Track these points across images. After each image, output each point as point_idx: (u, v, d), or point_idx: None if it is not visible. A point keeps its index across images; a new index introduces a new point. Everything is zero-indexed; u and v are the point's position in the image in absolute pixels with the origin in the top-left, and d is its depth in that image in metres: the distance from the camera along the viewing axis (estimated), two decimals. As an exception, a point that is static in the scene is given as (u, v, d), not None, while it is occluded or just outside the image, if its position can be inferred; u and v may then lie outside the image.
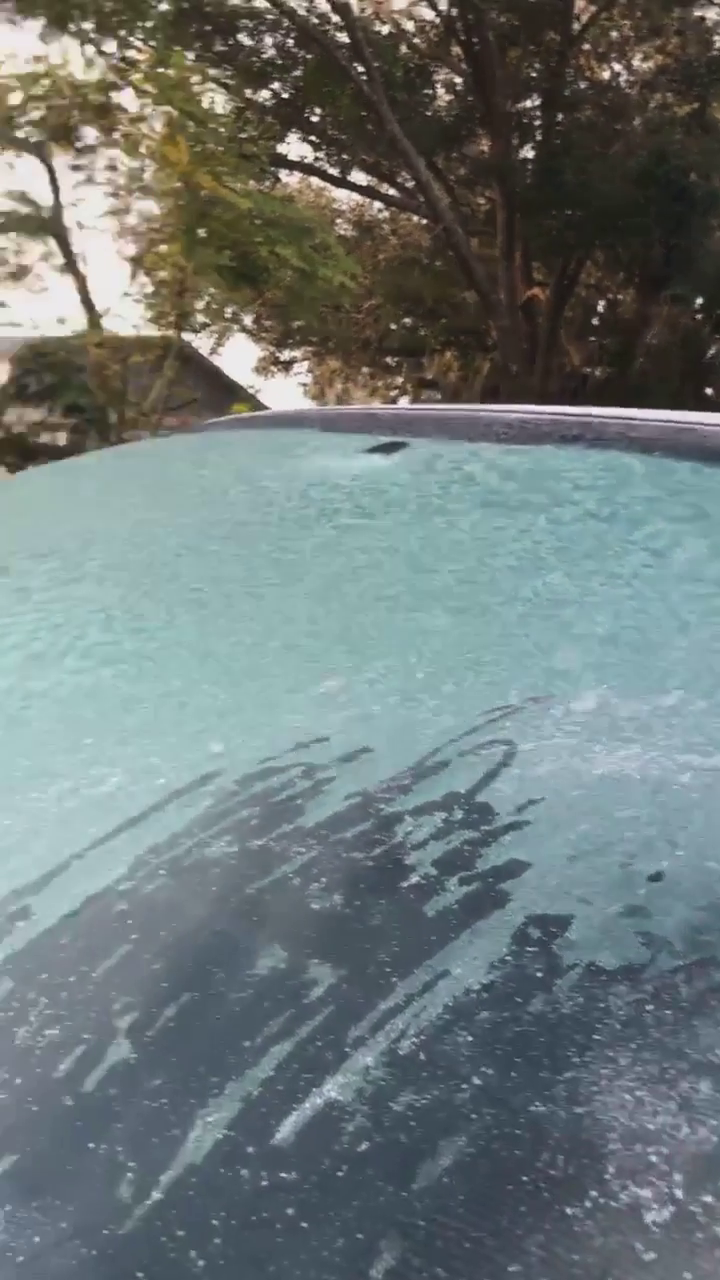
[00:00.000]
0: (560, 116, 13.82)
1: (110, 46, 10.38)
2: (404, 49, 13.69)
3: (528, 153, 14.22)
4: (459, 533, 0.94)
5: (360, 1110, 0.43)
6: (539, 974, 0.47)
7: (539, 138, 14.03)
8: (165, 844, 0.58)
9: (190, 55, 9.64)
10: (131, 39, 10.36)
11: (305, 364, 20.27)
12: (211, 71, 11.17)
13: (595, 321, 17.75)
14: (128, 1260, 0.39)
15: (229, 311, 13.52)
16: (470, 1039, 0.46)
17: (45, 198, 10.54)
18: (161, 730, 0.70)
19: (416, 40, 14.11)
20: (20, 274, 11.01)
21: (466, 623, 0.78)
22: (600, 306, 17.77)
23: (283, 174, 15.20)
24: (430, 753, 0.63)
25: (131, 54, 10.31)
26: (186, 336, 11.52)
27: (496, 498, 1.00)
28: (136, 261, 10.56)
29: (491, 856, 0.54)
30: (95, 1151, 0.43)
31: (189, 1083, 0.45)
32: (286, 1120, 0.43)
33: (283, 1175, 0.41)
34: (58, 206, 10.35)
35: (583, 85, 14.10)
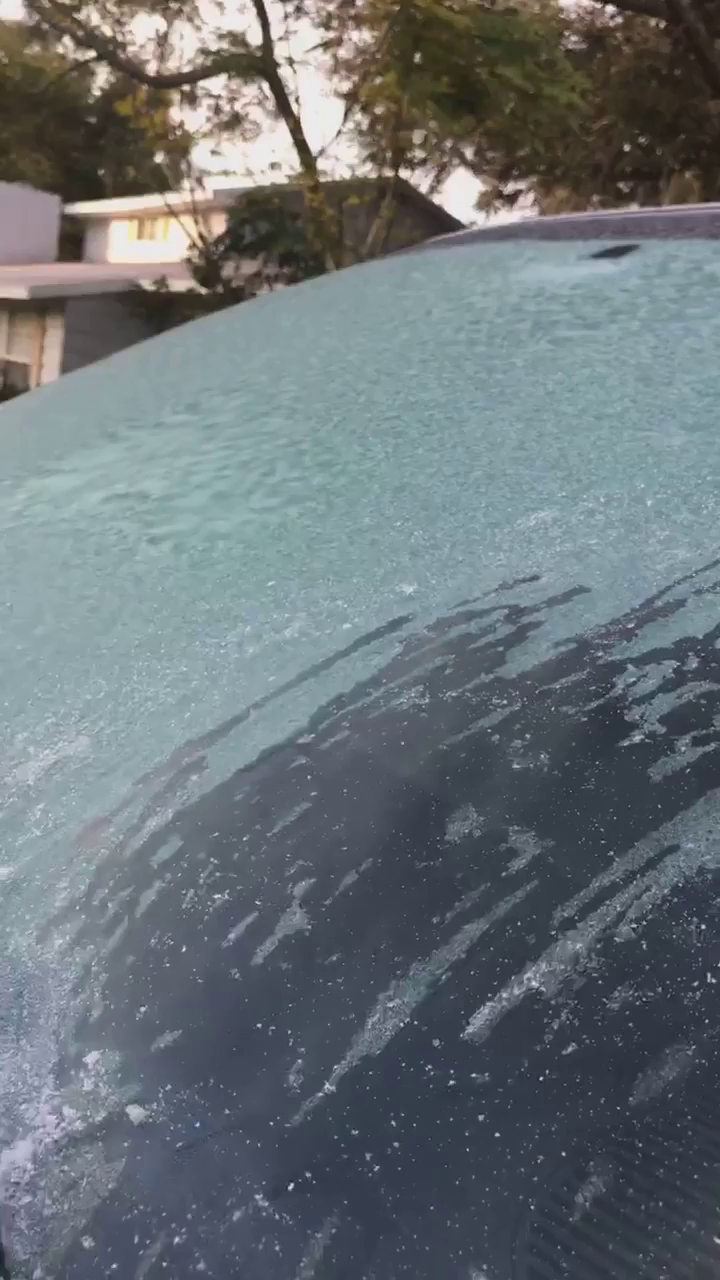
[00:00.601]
0: None
1: None
2: None
3: None
4: (699, 339, 0.80)
5: (567, 1005, 0.36)
6: None
7: None
8: (350, 695, 0.52)
9: None
10: None
11: (531, 196, 19.15)
12: None
13: None
14: (294, 1158, 0.34)
15: (448, 144, 12.86)
16: (703, 927, 0.38)
17: (255, 36, 10.24)
18: (349, 571, 0.63)
19: None
20: (233, 121, 10.84)
21: (709, 440, 0.66)
22: None
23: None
24: (660, 592, 0.53)
25: None
26: (404, 174, 11.06)
27: (745, 297, 0.85)
28: (350, 97, 10.15)
29: (734, 714, 0.45)
30: (264, 1033, 0.38)
31: (370, 962, 0.39)
32: (479, 1012, 0.37)
33: (473, 1076, 0.35)
34: (267, 43, 10.01)
35: None
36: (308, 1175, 0.34)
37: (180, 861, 0.46)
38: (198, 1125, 0.36)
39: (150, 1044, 0.39)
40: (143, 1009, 0.41)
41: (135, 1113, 0.37)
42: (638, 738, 0.46)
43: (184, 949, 0.42)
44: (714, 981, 0.36)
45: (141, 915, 0.44)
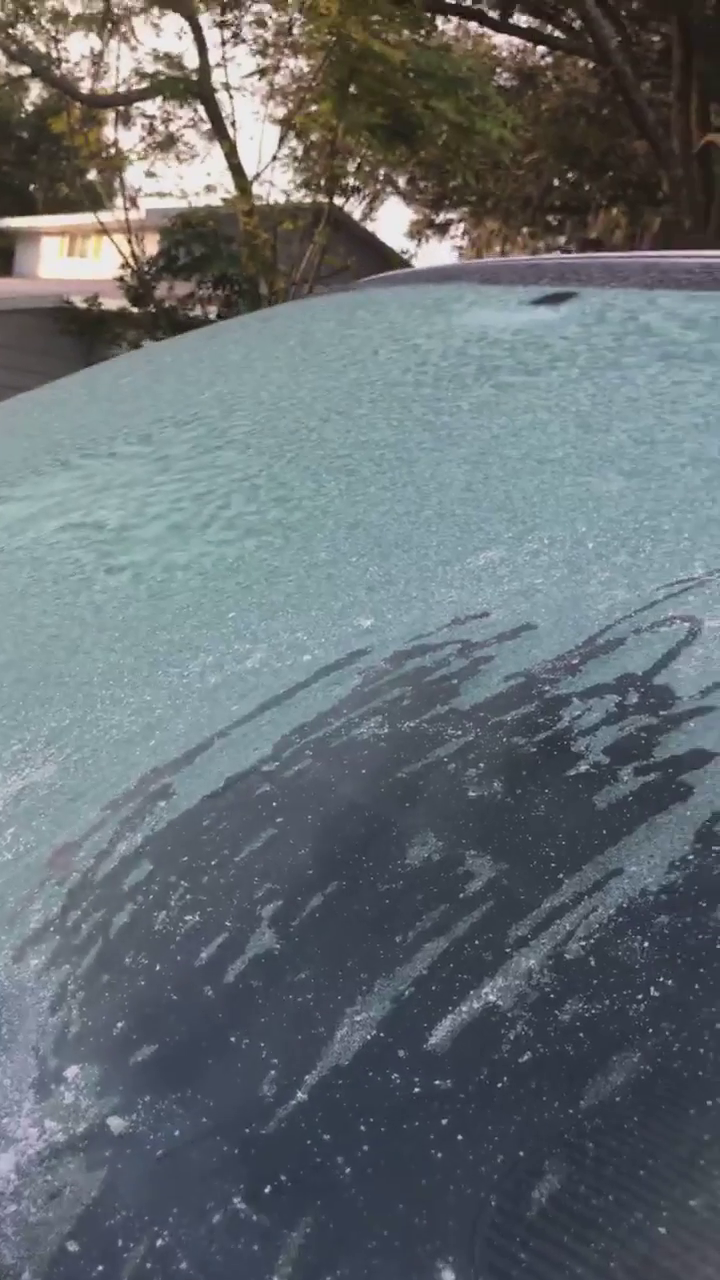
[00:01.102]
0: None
1: None
2: None
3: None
4: (635, 388, 0.85)
5: (522, 1017, 0.39)
6: (726, 877, 0.42)
7: (722, -40, 12.74)
8: (312, 724, 0.55)
9: None
10: None
11: (462, 226, 19.46)
12: None
13: (779, 168, 16.33)
14: (268, 1162, 0.37)
15: (382, 173, 13.04)
16: (647, 945, 0.41)
17: (191, 60, 10.28)
18: (308, 604, 0.65)
19: None
20: (168, 142, 10.85)
21: (644, 486, 0.70)
22: (785, 151, 16.31)
23: (439, 21, 14.32)
24: (602, 630, 0.56)
25: None
26: (338, 201, 11.18)
27: (678, 349, 0.90)
28: (286, 123, 10.24)
29: (672, 745, 0.48)
30: (237, 1046, 0.40)
31: (336, 978, 0.42)
32: (441, 1024, 0.39)
33: (436, 1083, 0.38)
34: (204, 67, 10.06)
35: None
36: (283, 1178, 0.36)
37: (151, 884, 0.48)
38: (176, 1134, 0.38)
39: (128, 1058, 0.41)
40: (119, 1025, 0.43)
41: (115, 1123, 0.39)
42: (583, 767, 0.49)
43: (157, 967, 0.44)
44: (656, 995, 0.39)
45: (115, 935, 0.46)
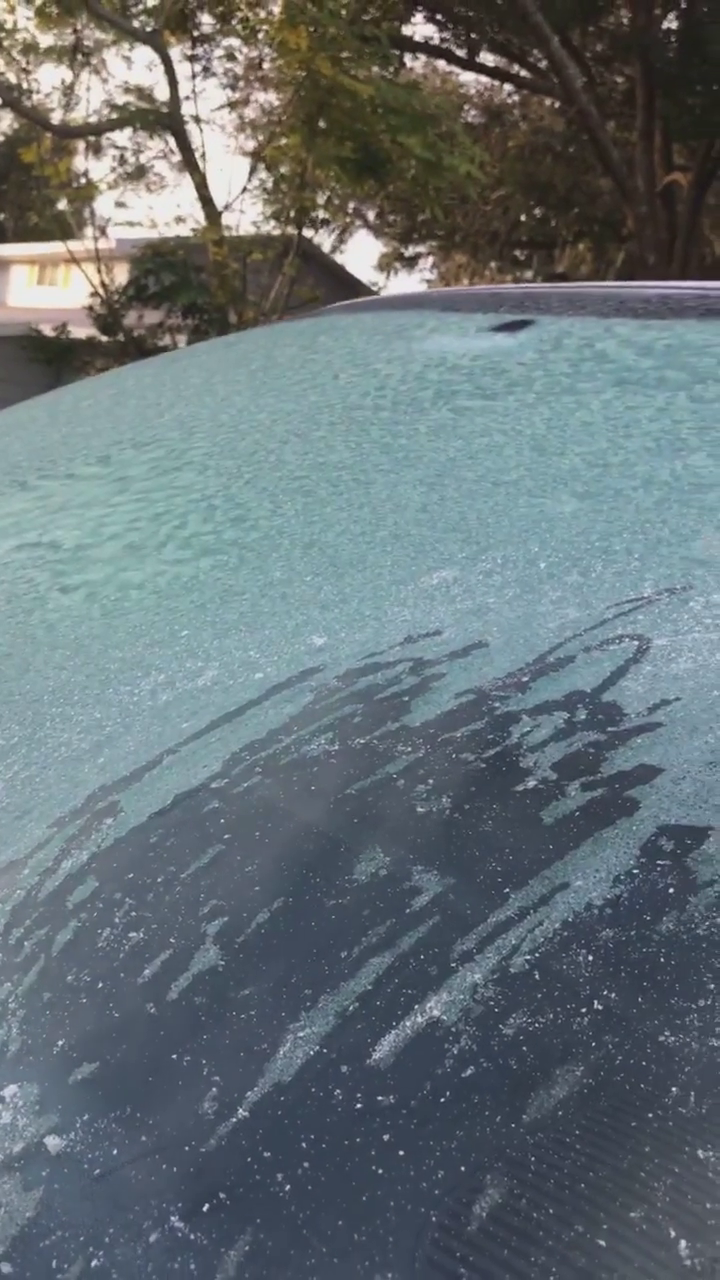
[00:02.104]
0: (708, -20, 12.79)
1: None
2: None
3: (671, 23, 13.26)
4: (589, 413, 0.86)
5: (466, 1032, 0.39)
6: (671, 890, 0.42)
7: (684, 5, 13.04)
8: (262, 741, 0.55)
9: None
10: None
11: (430, 259, 19.70)
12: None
13: (739, 208, 16.65)
14: (209, 1179, 0.36)
15: (351, 206, 13.18)
16: (590, 958, 0.41)
17: (162, 92, 10.38)
18: (261, 623, 0.65)
19: None
20: (138, 173, 10.92)
21: (596, 508, 0.71)
22: (745, 190, 16.64)
23: (408, 58, 14.55)
24: (552, 648, 0.57)
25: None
26: (307, 233, 11.28)
27: (632, 375, 0.91)
28: (255, 156, 10.34)
29: (619, 761, 0.48)
30: (179, 1064, 0.40)
31: (280, 994, 0.42)
32: (385, 1039, 0.39)
33: (379, 1099, 0.38)
34: (175, 100, 10.16)
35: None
36: (221, 1196, 0.36)
37: (95, 901, 0.48)
38: (114, 1153, 0.38)
39: (67, 1077, 0.41)
40: (59, 1043, 0.42)
41: (53, 1143, 0.38)
42: (531, 783, 0.49)
43: (100, 985, 0.44)
44: (600, 1008, 0.39)
45: (57, 953, 0.46)
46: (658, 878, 0.43)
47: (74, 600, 0.73)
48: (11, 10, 9.92)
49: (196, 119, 10.73)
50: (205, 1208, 0.36)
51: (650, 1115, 0.36)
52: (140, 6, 9.99)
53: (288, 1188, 0.36)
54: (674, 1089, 0.36)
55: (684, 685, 0.52)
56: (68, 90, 11.32)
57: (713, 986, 0.39)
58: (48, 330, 12.30)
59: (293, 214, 10.17)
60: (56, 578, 0.77)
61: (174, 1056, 0.40)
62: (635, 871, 0.44)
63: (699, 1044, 0.37)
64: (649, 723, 0.51)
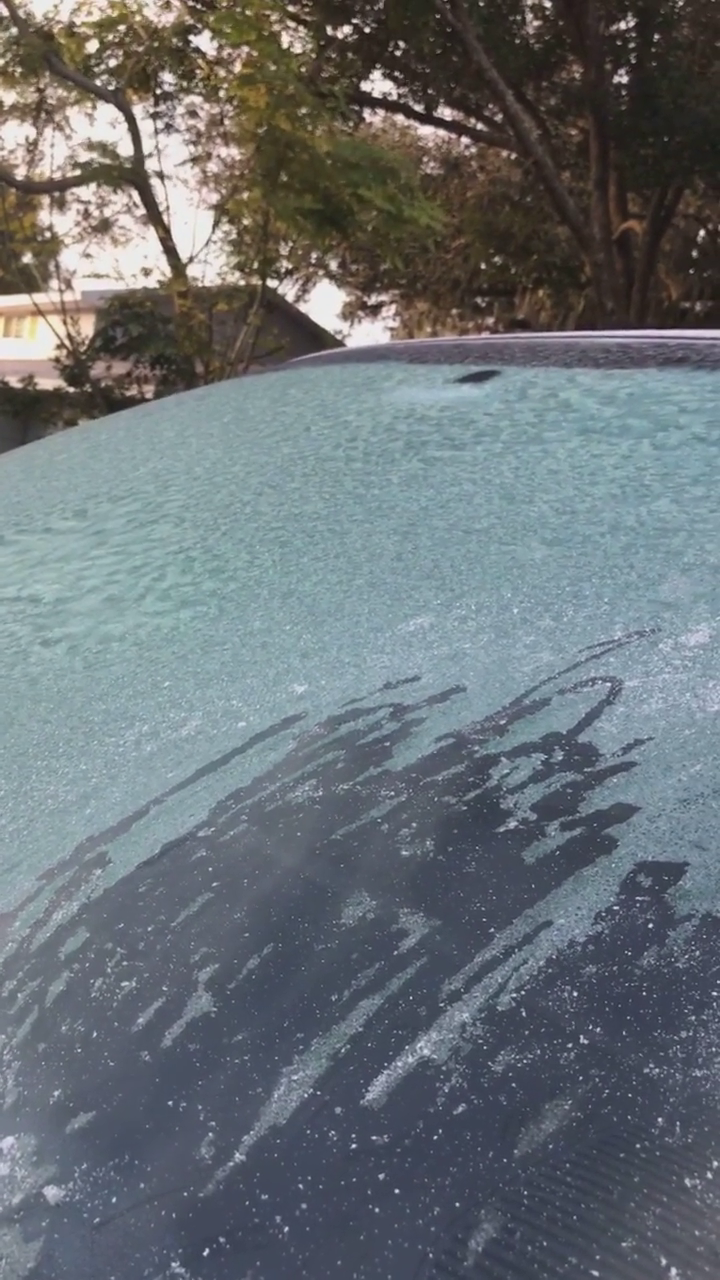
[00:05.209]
0: (657, 37, 13.18)
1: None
2: (489, -27, 13.18)
3: (622, 77, 13.63)
4: (556, 461, 0.88)
5: (456, 1070, 0.40)
6: (650, 925, 0.43)
7: (634, 61, 13.41)
8: (247, 789, 0.56)
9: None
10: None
11: (393, 308, 19.98)
12: (290, 8, 10.93)
13: (694, 253, 17.05)
14: (208, 1224, 0.37)
15: (313, 257, 13.37)
16: (575, 995, 0.42)
17: (126, 148, 10.54)
18: (242, 672, 0.67)
19: (502, -37, 13.57)
20: (104, 226, 11.04)
21: (565, 554, 0.73)
22: (700, 237, 17.06)
23: (367, 113, 14.86)
24: (527, 692, 0.58)
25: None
26: (271, 283, 11.43)
27: (596, 424, 0.94)
28: (219, 209, 10.50)
29: (596, 800, 0.50)
30: (175, 1110, 0.41)
31: (273, 1039, 0.42)
32: (377, 1080, 0.40)
33: (373, 1139, 0.38)
34: (138, 155, 10.31)
35: (680, 1, 13.40)
36: (221, 1240, 0.36)
37: (87, 952, 0.48)
38: (114, 1201, 0.38)
39: (64, 1127, 0.41)
40: (56, 1094, 0.42)
41: (52, 1193, 0.39)
42: (513, 824, 0.50)
43: (94, 1034, 0.44)
44: (586, 1043, 0.40)
45: (51, 1004, 0.46)
46: (638, 914, 0.44)
47: (56, 653, 0.74)
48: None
49: (160, 174, 10.93)
50: (206, 1252, 0.36)
51: (639, 1147, 0.37)
52: (103, 66, 10.16)
53: (286, 1229, 0.36)
54: (660, 1120, 0.37)
55: (656, 725, 0.54)
56: (31, 147, 11.45)
57: (694, 1018, 0.40)
58: (14, 382, 12.35)
59: (257, 265, 10.31)
60: (38, 631, 0.78)
61: (169, 1103, 0.41)
62: (616, 908, 0.45)
63: (683, 1075, 0.38)
64: (624, 762, 0.52)
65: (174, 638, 0.73)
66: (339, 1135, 0.38)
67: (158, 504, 0.99)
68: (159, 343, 10.55)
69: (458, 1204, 0.36)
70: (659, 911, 0.44)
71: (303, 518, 0.88)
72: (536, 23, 13.93)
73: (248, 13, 8.58)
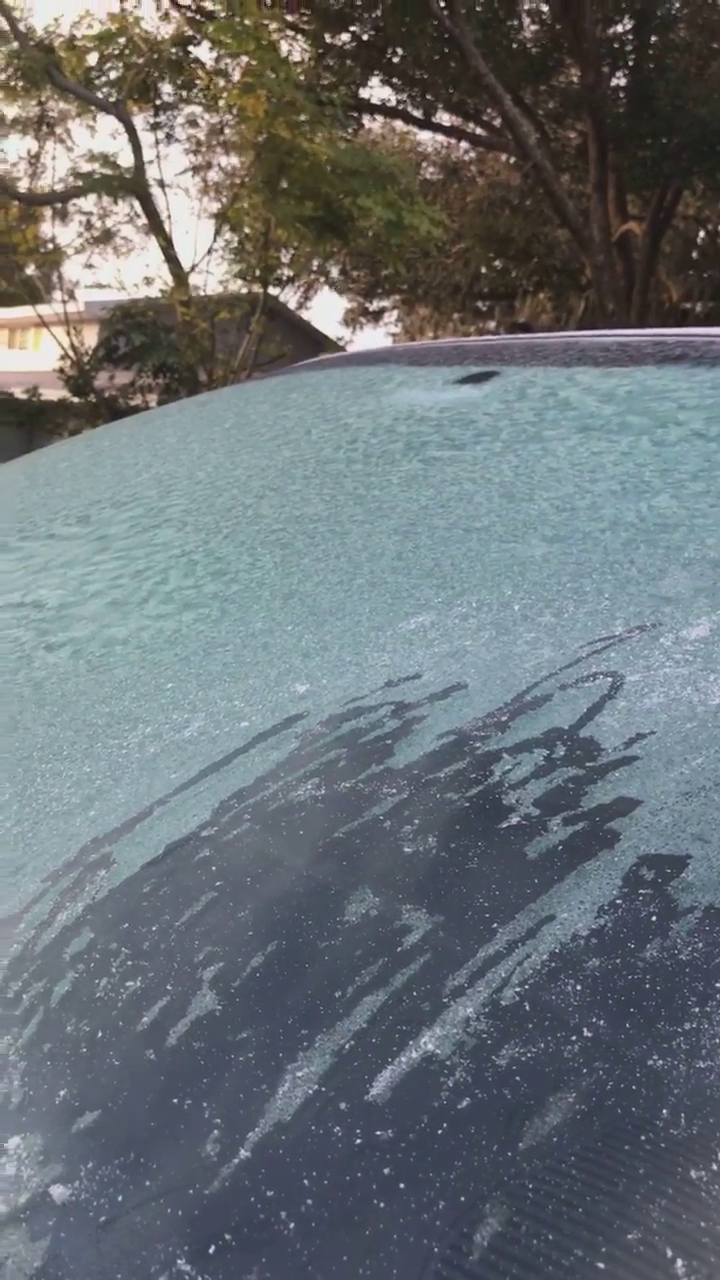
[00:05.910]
0: (654, 39, 13.20)
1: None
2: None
3: (619, 80, 13.65)
4: (555, 459, 0.88)
5: (460, 1064, 0.40)
6: (653, 918, 0.43)
7: (631, 63, 13.44)
8: (250, 788, 0.56)
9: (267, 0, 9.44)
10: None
11: (394, 313, 20.02)
12: (288, 17, 10.96)
13: (694, 254, 17.06)
14: (214, 1221, 0.37)
15: (315, 263, 13.40)
16: (579, 988, 0.42)
17: (126, 158, 10.57)
18: (244, 673, 0.67)
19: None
20: (106, 236, 11.09)
21: (566, 551, 0.73)
22: (699, 238, 17.08)
23: (366, 119, 14.90)
24: (529, 688, 0.58)
25: (206, 3, 10.21)
26: (273, 291, 11.46)
27: (595, 422, 0.94)
28: (220, 217, 10.53)
29: (598, 794, 0.50)
30: (180, 1108, 0.41)
31: (277, 1036, 0.42)
32: (382, 1076, 0.40)
33: (378, 1134, 0.38)
34: (139, 166, 10.35)
35: (677, 3, 13.41)
36: (227, 1238, 0.37)
37: (92, 952, 0.48)
38: (119, 1199, 0.38)
39: (70, 1126, 0.41)
40: (61, 1093, 0.42)
41: (58, 1192, 0.39)
42: (515, 819, 0.50)
43: (99, 1034, 0.45)
44: (590, 1036, 0.40)
45: (56, 1005, 0.46)
46: (640, 907, 0.44)
47: (60, 658, 0.75)
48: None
49: (161, 183, 10.96)
50: (212, 1250, 0.36)
51: (644, 1139, 0.37)
52: (103, 78, 10.21)
53: (293, 1226, 0.36)
54: (665, 1113, 0.37)
55: (657, 719, 0.54)
56: (34, 159, 11.51)
57: (698, 1011, 0.40)
58: (19, 393, 12.40)
59: (258, 272, 10.35)
60: (41, 636, 0.78)
61: (175, 1101, 0.41)
62: (619, 902, 0.45)
63: (687, 1067, 0.38)
64: (626, 757, 0.52)
65: (176, 640, 0.73)
66: (345, 1132, 0.38)
67: (160, 509, 0.99)
68: (162, 352, 10.59)
69: (464, 1198, 0.36)
70: (662, 905, 0.44)
71: (304, 519, 0.88)
72: (534, 27, 13.96)
73: (246, 22, 8.61)
